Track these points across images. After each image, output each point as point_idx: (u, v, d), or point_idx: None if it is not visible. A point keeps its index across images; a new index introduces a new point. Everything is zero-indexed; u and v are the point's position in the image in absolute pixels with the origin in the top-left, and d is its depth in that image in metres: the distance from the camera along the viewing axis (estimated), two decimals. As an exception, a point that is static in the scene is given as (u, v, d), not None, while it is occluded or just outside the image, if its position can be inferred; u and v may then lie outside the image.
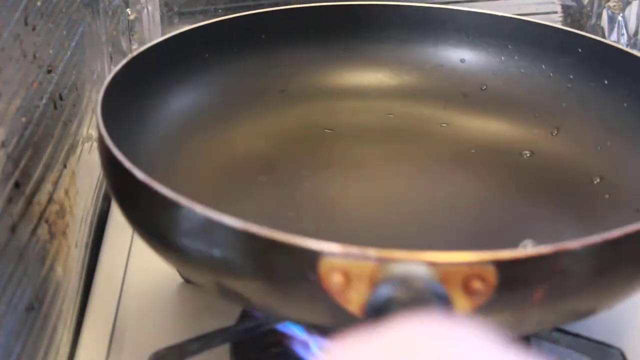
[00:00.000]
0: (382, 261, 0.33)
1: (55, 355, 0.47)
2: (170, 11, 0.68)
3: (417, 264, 0.33)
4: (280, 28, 0.60)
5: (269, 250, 0.35)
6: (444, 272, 0.33)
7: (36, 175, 0.46)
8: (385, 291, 0.32)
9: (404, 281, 0.32)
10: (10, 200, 0.42)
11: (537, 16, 0.71)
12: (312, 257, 0.34)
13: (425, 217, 0.51)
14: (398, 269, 0.33)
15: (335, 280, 0.34)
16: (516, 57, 0.60)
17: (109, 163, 0.42)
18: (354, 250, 0.34)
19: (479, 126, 0.59)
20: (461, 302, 0.34)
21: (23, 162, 0.44)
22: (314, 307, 0.36)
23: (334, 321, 0.36)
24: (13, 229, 0.42)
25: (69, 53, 0.54)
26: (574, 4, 0.71)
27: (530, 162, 0.56)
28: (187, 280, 0.54)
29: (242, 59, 0.58)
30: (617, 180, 0.52)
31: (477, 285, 0.34)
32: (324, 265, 0.34)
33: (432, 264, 0.33)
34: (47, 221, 0.47)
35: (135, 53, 0.50)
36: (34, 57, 0.47)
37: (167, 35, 0.54)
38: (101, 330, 0.50)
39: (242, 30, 0.58)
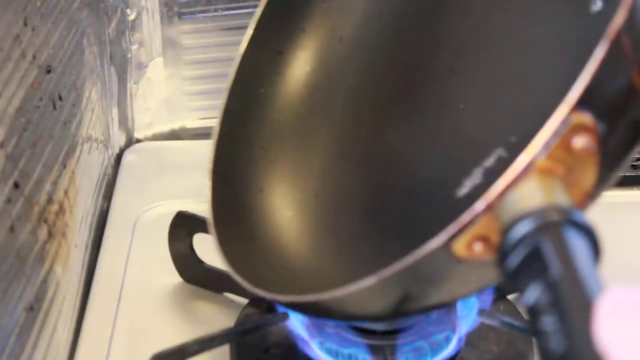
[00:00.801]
0: (491, 205, 0.31)
1: (55, 355, 0.47)
2: (170, 11, 0.68)
3: (520, 181, 0.31)
4: None
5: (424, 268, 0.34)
6: (545, 161, 0.31)
7: (35, 175, 0.46)
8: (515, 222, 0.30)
9: (521, 201, 0.31)
10: (9, 201, 0.42)
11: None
12: (446, 244, 0.33)
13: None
14: (510, 199, 0.31)
15: (478, 249, 0.33)
16: None
17: None
18: (465, 217, 0.32)
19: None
20: (581, 176, 0.32)
21: (22, 163, 0.44)
22: (479, 278, 0.36)
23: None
24: (12, 229, 0.42)
25: (68, 53, 0.54)
26: (574, 3, 0.71)
27: None
28: (187, 281, 0.54)
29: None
30: None
31: (581, 140, 0.31)
32: (459, 246, 0.33)
33: (531, 165, 0.31)
34: (46, 221, 0.47)
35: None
36: (34, 57, 0.47)
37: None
38: (101, 330, 0.50)
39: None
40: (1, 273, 0.40)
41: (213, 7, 0.69)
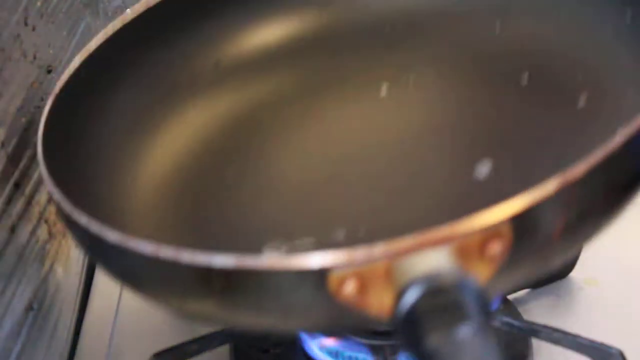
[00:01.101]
0: (392, 255, 0.31)
1: (55, 355, 0.47)
2: (170, 11, 0.68)
3: (428, 246, 0.31)
4: (194, 2, 0.55)
5: (270, 283, 0.33)
6: (457, 246, 0.31)
7: (36, 175, 0.46)
8: (404, 280, 0.30)
9: (419, 265, 0.31)
10: (10, 201, 0.42)
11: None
12: (318, 276, 0.32)
13: (407, 156, 0.47)
14: (411, 258, 0.31)
15: (349, 290, 0.32)
16: None
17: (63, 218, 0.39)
18: (359, 253, 0.31)
19: (427, 38, 0.54)
20: (482, 270, 0.32)
21: (23, 163, 0.44)
22: (333, 320, 0.34)
23: (359, 328, 0.34)
24: (13, 229, 0.42)
25: (68, 53, 0.54)
26: (574, 4, 0.71)
27: (489, 56, 0.52)
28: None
29: (166, 48, 0.54)
30: (585, 58, 0.48)
31: (495, 247, 0.31)
32: (332, 281, 0.32)
33: (443, 240, 0.31)
34: (46, 221, 0.47)
35: (57, 89, 0.47)
36: (34, 57, 0.47)
37: (82, 54, 0.49)
38: (101, 330, 0.50)
39: (155, 20, 0.53)
40: (1, 273, 0.40)
41: (213, 7, 0.69)
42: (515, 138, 0.46)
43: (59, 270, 0.48)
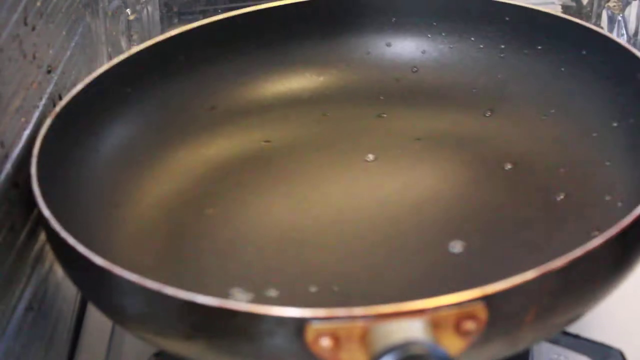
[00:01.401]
0: (370, 319, 0.33)
1: (55, 355, 0.47)
2: (170, 11, 0.68)
3: (406, 316, 0.33)
4: (196, 45, 0.57)
5: (249, 325, 0.34)
6: (433, 319, 0.33)
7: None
8: (380, 346, 0.32)
9: (395, 333, 0.32)
10: (9, 200, 0.42)
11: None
12: (297, 326, 0.33)
13: (384, 226, 0.49)
14: (388, 325, 0.33)
15: (324, 345, 0.33)
16: (443, 34, 0.58)
17: (53, 239, 0.41)
18: (339, 312, 0.33)
19: (419, 111, 0.57)
20: (455, 344, 0.34)
21: (22, 163, 0.44)
22: None
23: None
24: (12, 228, 0.42)
25: (68, 53, 0.54)
26: (573, 4, 0.71)
27: (475, 139, 0.54)
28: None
29: (165, 86, 0.55)
30: (570, 153, 0.51)
31: (469, 325, 0.33)
32: (310, 332, 0.33)
33: (421, 312, 0.33)
34: (46, 221, 0.47)
35: (58, 109, 0.47)
36: (34, 57, 0.47)
37: (85, 81, 0.51)
38: (101, 330, 0.50)
39: (159, 57, 0.55)
40: (1, 273, 0.40)
41: (213, 7, 0.69)
42: (491, 219, 0.48)
43: (59, 270, 0.48)
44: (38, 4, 0.48)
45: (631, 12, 0.69)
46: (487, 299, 0.34)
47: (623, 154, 0.48)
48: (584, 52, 0.53)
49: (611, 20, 0.69)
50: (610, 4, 0.69)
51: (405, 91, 0.58)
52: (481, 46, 0.57)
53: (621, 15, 0.69)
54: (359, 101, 0.58)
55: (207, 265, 0.47)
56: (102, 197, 0.49)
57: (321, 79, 0.59)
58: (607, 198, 0.47)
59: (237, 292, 0.44)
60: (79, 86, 0.50)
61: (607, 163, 0.49)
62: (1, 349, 0.39)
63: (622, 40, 0.50)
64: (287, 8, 0.59)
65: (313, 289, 0.44)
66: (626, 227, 0.37)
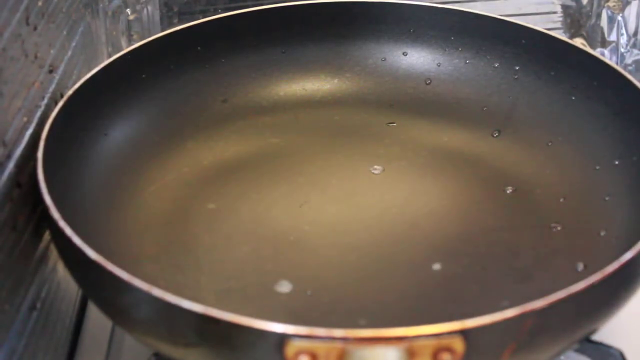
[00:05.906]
0: (349, 342, 0.33)
1: (55, 355, 0.47)
2: (170, 11, 0.68)
3: (384, 342, 0.33)
4: (215, 37, 0.57)
5: (231, 334, 0.35)
6: (411, 347, 0.34)
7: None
8: None
9: (372, 358, 0.33)
10: (12, 200, 0.42)
11: (536, 16, 0.71)
12: (278, 341, 0.34)
13: (378, 239, 0.49)
14: (366, 349, 0.33)
15: None
16: (460, 49, 0.58)
17: (57, 235, 0.41)
18: (320, 332, 0.33)
19: (428, 123, 0.57)
20: None
21: (25, 162, 0.44)
22: None
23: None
24: (15, 228, 0.42)
25: (69, 53, 0.54)
26: (573, 4, 0.71)
27: (480, 159, 0.54)
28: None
29: (179, 75, 0.56)
30: (571, 183, 0.51)
31: (445, 356, 0.34)
32: (290, 348, 0.34)
33: (399, 340, 0.33)
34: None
35: (71, 92, 0.48)
36: (35, 57, 0.47)
37: (102, 64, 0.52)
38: (101, 330, 0.50)
39: (176, 45, 0.56)
40: (5, 272, 0.40)
41: (213, 7, 0.69)
42: (483, 242, 0.49)
43: (60, 270, 0.48)
44: (39, 4, 0.48)
45: (631, 11, 0.69)
46: (465, 333, 0.34)
47: (623, 190, 0.48)
48: (595, 84, 0.53)
49: (611, 20, 0.69)
50: (610, 3, 0.69)
51: (417, 102, 0.58)
52: (496, 65, 0.57)
53: (621, 15, 0.69)
54: (370, 107, 0.58)
55: (204, 258, 0.47)
56: (107, 188, 0.49)
57: (335, 81, 0.59)
58: (602, 233, 0.47)
59: (223, 289, 0.45)
60: (89, 75, 0.50)
61: (607, 198, 0.49)
62: (5, 349, 0.39)
63: (635, 80, 0.50)
64: (308, 8, 0.59)
65: (285, 290, 0.44)
66: (611, 273, 0.37)
